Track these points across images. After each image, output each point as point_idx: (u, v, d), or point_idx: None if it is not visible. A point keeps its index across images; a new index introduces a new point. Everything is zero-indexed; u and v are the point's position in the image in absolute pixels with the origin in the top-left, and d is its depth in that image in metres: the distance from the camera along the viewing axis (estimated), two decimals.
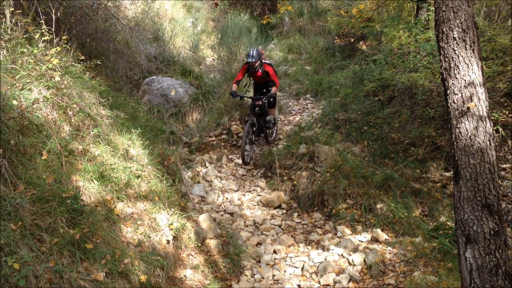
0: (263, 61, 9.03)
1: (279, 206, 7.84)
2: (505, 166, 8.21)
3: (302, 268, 6.19)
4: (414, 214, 7.12)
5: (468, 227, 2.78)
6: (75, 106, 5.47)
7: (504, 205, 7.19)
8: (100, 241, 4.27)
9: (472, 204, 2.75)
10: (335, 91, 11.61)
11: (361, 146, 9.07)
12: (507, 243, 2.79)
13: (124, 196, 5.23)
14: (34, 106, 4.91)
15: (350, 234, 6.73)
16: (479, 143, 2.74)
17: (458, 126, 2.80)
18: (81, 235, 4.01)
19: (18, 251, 3.46)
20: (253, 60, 8.70)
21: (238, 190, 8.21)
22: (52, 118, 5.08)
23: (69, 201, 4.22)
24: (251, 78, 9.37)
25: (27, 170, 4.22)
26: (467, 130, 2.78)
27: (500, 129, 8.35)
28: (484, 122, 2.78)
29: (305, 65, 14.53)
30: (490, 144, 2.76)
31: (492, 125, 2.78)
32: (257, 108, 8.97)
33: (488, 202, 2.74)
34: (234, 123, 9.92)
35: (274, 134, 9.85)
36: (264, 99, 8.83)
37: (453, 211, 2.83)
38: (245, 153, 8.84)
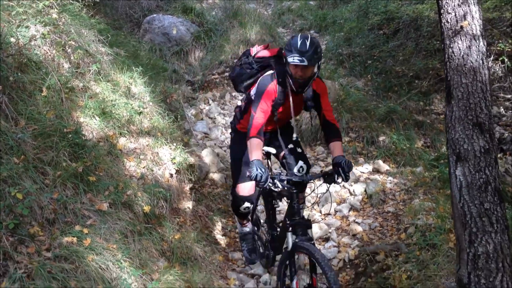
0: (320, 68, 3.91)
1: None
2: (509, 96, 8.15)
3: (306, 199, 6.29)
4: (416, 146, 7.17)
5: (459, 146, 2.81)
6: (73, 43, 5.44)
7: (506, 134, 7.20)
8: (103, 174, 4.36)
9: (463, 123, 2.77)
10: (339, 26, 11.42)
11: (364, 80, 9.03)
12: (497, 160, 2.82)
13: (126, 132, 5.29)
14: (32, 43, 4.89)
15: None
16: (471, 62, 2.72)
17: (451, 45, 2.77)
18: (83, 168, 4.09)
19: (21, 183, 3.55)
20: (306, 64, 3.61)
21: None
22: (50, 55, 5.07)
23: (70, 135, 4.27)
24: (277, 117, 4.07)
25: (28, 106, 4.25)
26: (460, 49, 2.75)
27: (506, 60, 8.23)
28: (477, 41, 2.74)
29: (309, 0, 14.22)
30: (483, 63, 2.74)
31: (485, 44, 2.75)
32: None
33: (479, 121, 2.75)
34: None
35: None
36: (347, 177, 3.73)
37: (445, 131, 2.86)
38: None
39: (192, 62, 9.95)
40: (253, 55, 4.21)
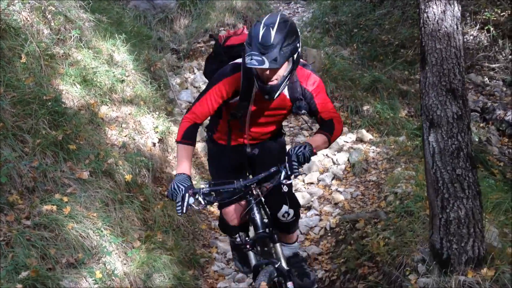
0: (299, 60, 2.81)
1: None
2: (494, 66, 8.18)
3: None
4: (400, 115, 7.21)
5: (432, 112, 2.82)
6: (53, 8, 5.34)
7: (489, 104, 7.26)
8: (84, 143, 4.34)
9: (436, 89, 2.78)
10: None
11: (350, 49, 9.00)
12: (469, 127, 2.85)
13: (108, 100, 5.25)
14: (11, 8, 4.80)
15: None
16: (446, 27, 2.71)
17: (426, 10, 2.76)
18: (63, 136, 4.06)
19: None
20: (266, 66, 2.56)
21: None
22: (30, 21, 4.98)
23: (50, 103, 4.23)
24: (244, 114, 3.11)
25: (6, 73, 4.20)
26: (434, 14, 2.74)
27: (492, 29, 8.23)
28: (452, 6, 2.73)
29: None
30: (457, 28, 2.73)
31: (460, 9, 2.74)
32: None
33: (453, 87, 2.76)
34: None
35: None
36: (294, 171, 2.70)
37: (419, 97, 2.88)
38: None
39: (177, 30, 9.83)
40: (221, 43, 3.24)
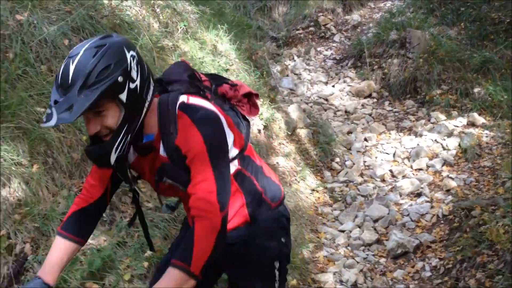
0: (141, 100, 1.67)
1: (370, 95, 7.73)
2: None
3: (394, 154, 6.17)
4: None
5: None
6: (161, 2, 5.56)
7: None
8: None
9: None
10: None
11: (457, 29, 8.54)
12: None
13: None
14: (124, 3, 5.05)
15: (444, 120, 6.55)
16: None
17: None
18: None
19: None
20: (52, 124, 1.53)
21: (327, 82, 8.16)
22: (141, 15, 5.22)
23: None
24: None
25: None
26: None
27: None
28: None
29: None
30: None
31: None
32: None
33: None
34: (322, 14, 9.63)
35: None
36: None
37: None
38: None
39: (276, 17, 9.88)
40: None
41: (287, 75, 8.13)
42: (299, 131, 6.24)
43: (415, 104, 7.22)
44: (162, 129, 1.71)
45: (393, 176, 5.78)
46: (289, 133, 5.99)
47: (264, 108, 5.72)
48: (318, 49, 9.08)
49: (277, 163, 5.35)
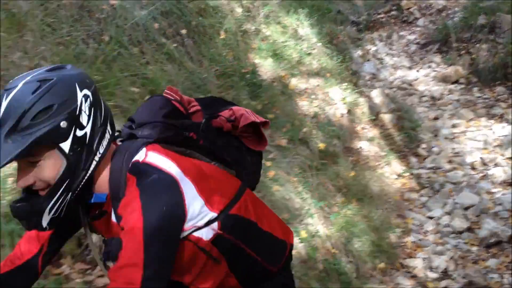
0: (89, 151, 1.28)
1: (457, 81, 7.39)
2: None
3: (484, 142, 5.87)
4: None
5: None
6: None
7: None
8: (279, 112, 4.49)
9: None
10: None
11: None
12: None
13: (297, 72, 5.36)
14: None
15: None
16: None
17: None
18: (262, 106, 4.25)
19: None
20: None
21: (411, 67, 7.89)
22: (226, 0, 5.28)
23: (248, 76, 4.46)
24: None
25: (209, 49, 4.50)
26: None
27: None
28: None
29: None
30: None
31: None
32: None
33: None
34: None
35: None
36: None
37: None
38: None
39: (356, 1, 9.64)
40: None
41: (369, 60, 7.93)
42: (382, 116, 6.08)
43: (507, 91, 6.84)
44: (112, 191, 1.33)
45: (484, 164, 5.50)
46: (373, 117, 5.85)
47: (347, 93, 5.62)
48: (401, 33, 8.78)
49: (361, 147, 5.25)
